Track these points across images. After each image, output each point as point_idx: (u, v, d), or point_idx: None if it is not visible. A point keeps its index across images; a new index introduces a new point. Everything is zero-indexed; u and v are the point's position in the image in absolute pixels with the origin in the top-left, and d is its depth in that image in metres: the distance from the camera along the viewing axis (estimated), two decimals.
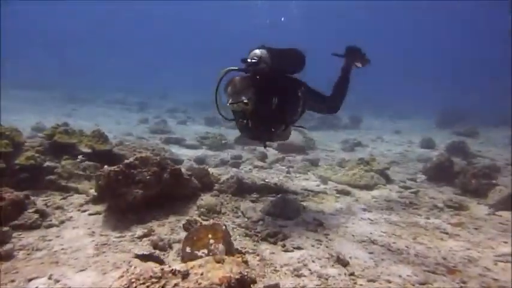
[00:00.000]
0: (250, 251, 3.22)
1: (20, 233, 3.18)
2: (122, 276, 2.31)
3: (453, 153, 9.33)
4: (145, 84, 30.15)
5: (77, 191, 4.11)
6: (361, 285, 2.76)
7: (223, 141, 8.38)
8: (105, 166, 3.64)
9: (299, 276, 2.86)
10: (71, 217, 3.62)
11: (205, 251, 2.85)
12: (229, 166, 6.69)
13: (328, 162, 7.46)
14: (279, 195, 4.81)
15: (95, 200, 3.87)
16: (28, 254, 2.89)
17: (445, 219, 4.37)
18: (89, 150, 4.60)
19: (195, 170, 4.72)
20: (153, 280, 2.17)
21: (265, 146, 4.43)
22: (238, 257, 2.46)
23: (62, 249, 3.02)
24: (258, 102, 3.53)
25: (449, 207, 4.83)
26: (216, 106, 3.69)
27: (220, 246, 2.89)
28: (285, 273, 2.89)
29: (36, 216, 3.31)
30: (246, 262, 2.46)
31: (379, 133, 13.06)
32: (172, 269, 2.22)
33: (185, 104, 21.17)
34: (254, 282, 2.34)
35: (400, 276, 2.90)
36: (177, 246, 3.20)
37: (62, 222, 3.49)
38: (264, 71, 3.61)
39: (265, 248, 3.32)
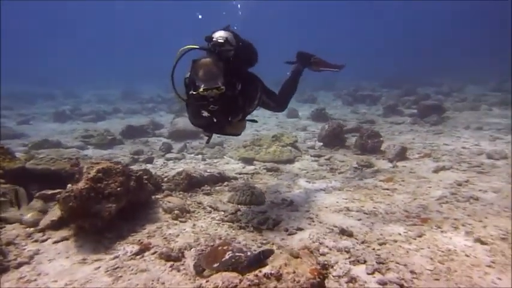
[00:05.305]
0: (264, 241, 3.14)
1: None
2: None
3: (318, 119, 10.71)
4: None
5: (7, 221, 3.18)
6: (378, 249, 3.02)
7: (110, 137, 7.43)
8: (68, 185, 2.92)
9: (324, 254, 2.93)
10: (38, 250, 2.90)
11: (230, 252, 2.68)
12: (143, 163, 6.04)
13: (228, 144, 7.50)
14: (229, 183, 4.73)
15: (54, 226, 3.10)
16: None
17: (372, 177, 5.04)
18: None
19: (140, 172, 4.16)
20: None
21: (208, 141, 3.99)
22: (303, 249, 2.41)
23: (66, 284, 2.47)
24: (226, 87, 3.17)
25: (363, 166, 5.57)
26: (172, 87, 3.22)
27: (239, 244, 2.77)
28: (310, 256, 2.94)
29: None
30: (312, 252, 2.43)
31: None
32: (265, 273, 2.16)
33: None
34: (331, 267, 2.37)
35: (399, 234, 3.29)
36: (187, 254, 2.93)
37: (31, 257, 2.79)
38: (229, 54, 3.40)
39: (274, 236, 3.27)
